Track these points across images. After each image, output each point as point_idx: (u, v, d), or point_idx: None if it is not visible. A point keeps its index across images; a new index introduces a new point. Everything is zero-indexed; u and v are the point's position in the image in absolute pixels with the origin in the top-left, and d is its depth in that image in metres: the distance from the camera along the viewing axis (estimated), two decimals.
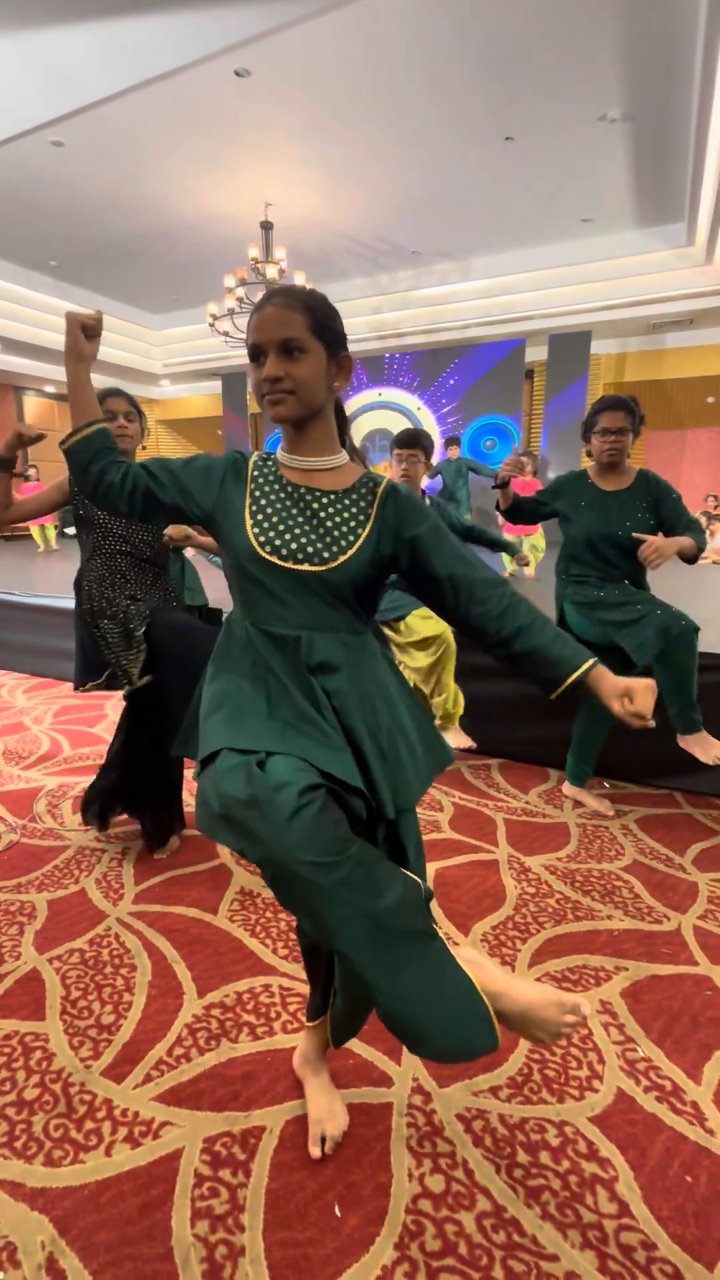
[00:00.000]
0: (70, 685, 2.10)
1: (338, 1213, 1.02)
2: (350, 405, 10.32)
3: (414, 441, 2.41)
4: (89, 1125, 1.16)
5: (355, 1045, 1.33)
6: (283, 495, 0.97)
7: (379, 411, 10.17)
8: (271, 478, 0.99)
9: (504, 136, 5.62)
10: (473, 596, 0.94)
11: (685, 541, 2.04)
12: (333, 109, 5.19)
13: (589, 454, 2.22)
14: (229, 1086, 1.24)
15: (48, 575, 5.92)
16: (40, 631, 4.16)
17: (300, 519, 0.95)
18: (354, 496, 0.97)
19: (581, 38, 4.39)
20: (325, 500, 0.96)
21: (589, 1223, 1.01)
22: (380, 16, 4.06)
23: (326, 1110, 1.15)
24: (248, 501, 0.97)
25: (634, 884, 1.92)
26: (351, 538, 0.94)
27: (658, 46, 4.45)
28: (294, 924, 1.71)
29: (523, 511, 2.33)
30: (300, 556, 0.93)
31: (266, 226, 6.72)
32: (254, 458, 1.02)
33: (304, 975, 1.52)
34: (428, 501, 2.52)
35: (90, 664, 1.93)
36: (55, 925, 1.70)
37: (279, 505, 0.97)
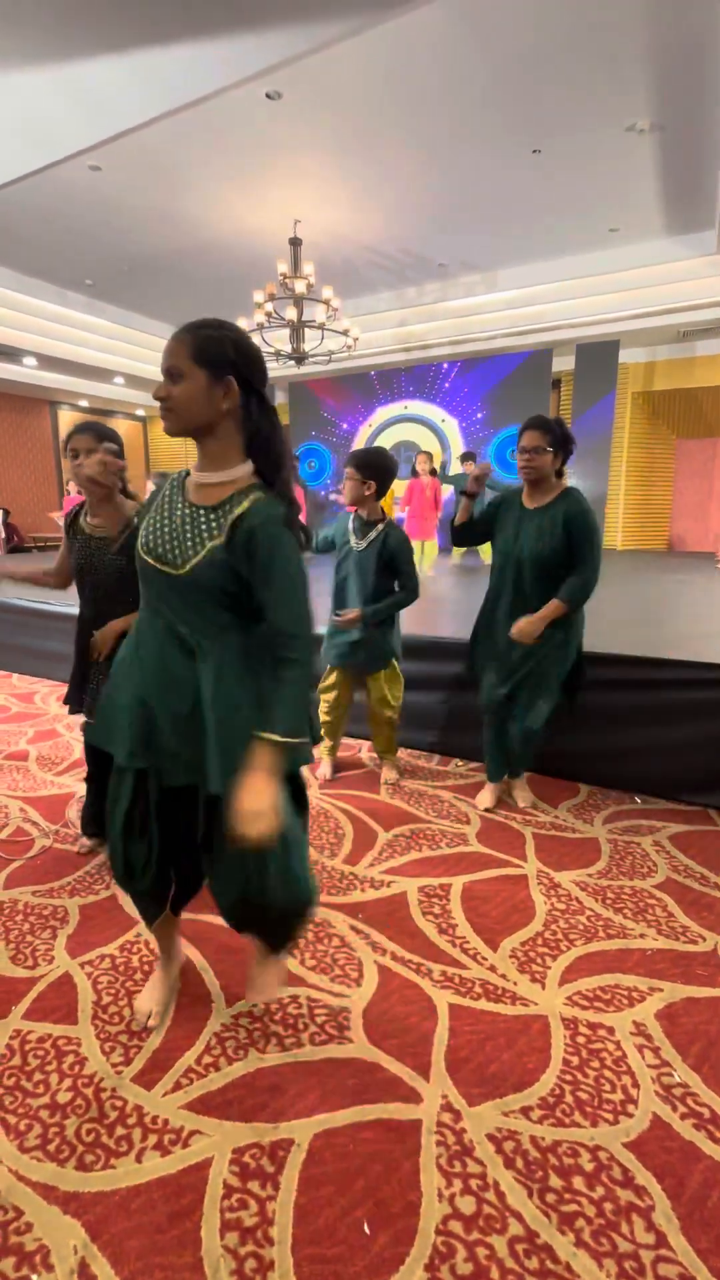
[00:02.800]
0: None
1: (367, 1230, 1.01)
2: (376, 418, 10.39)
3: (353, 461, 2.42)
4: (120, 1131, 1.17)
5: (383, 1060, 1.32)
6: (168, 505, 1.14)
7: (404, 424, 10.21)
8: (172, 492, 1.16)
9: (531, 149, 5.64)
10: (274, 643, 1.09)
11: (550, 609, 2.11)
12: (361, 127, 5.28)
13: (558, 474, 2.28)
14: (257, 1097, 1.24)
15: None
16: (74, 640, 4.25)
17: (170, 527, 1.11)
18: (217, 511, 1.08)
19: (608, 49, 4.40)
20: (190, 513, 1.11)
21: (625, 1252, 0.99)
22: (407, 35, 4.12)
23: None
24: (147, 513, 1.18)
25: (667, 902, 1.87)
26: (200, 546, 1.08)
27: (685, 56, 4.43)
28: (319, 934, 1.71)
29: (471, 532, 2.40)
30: (162, 557, 1.11)
31: (295, 243, 6.83)
32: (170, 479, 1.19)
33: (333, 987, 1.52)
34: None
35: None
36: (87, 930, 1.72)
37: (163, 513, 1.14)
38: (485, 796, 2.47)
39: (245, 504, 1.06)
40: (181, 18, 3.50)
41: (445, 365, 9.72)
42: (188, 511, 1.11)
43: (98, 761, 2.06)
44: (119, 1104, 1.22)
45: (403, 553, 2.44)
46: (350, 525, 2.52)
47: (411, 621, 3.68)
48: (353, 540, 2.50)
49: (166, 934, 1.45)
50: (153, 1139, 1.16)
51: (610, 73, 4.64)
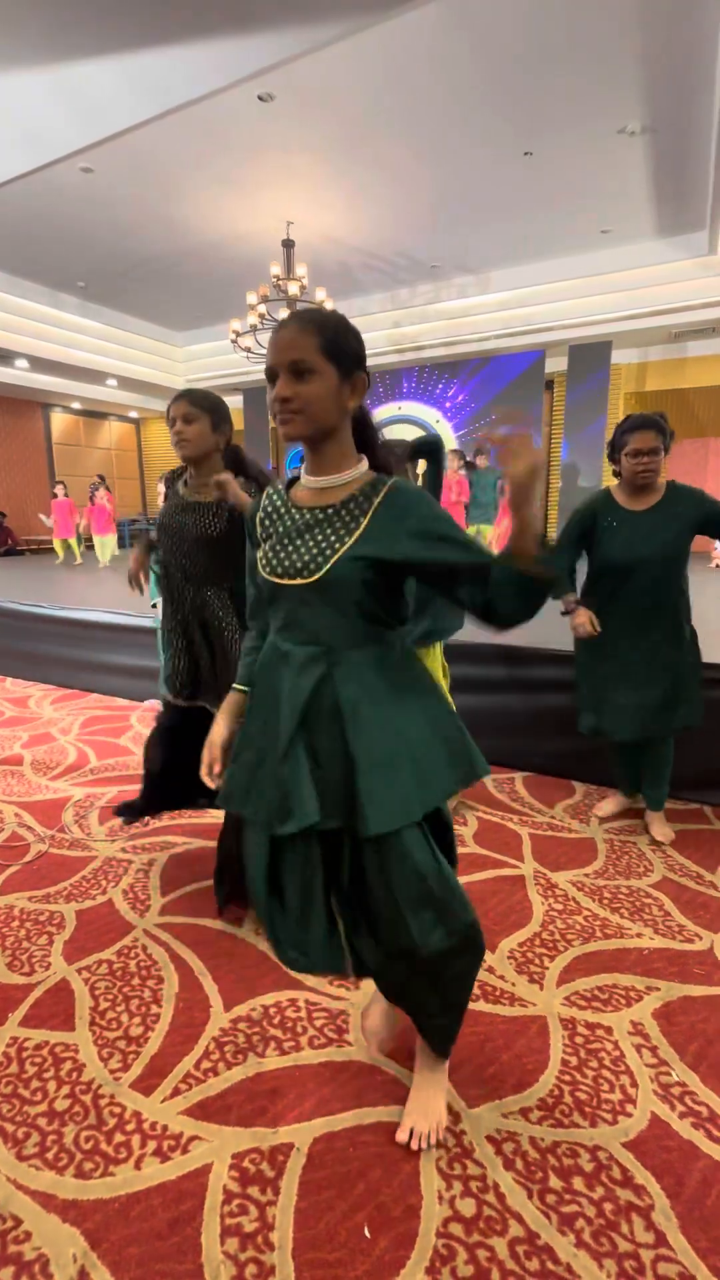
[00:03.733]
0: (97, 696, 2.11)
1: (368, 1234, 1.01)
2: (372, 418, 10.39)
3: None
4: (119, 1138, 1.17)
5: (382, 1063, 1.32)
6: (282, 512, 1.03)
7: (398, 426, 10.22)
8: (275, 507, 1.04)
9: (523, 151, 5.66)
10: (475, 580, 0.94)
11: None
12: (353, 129, 5.29)
13: (616, 474, 2.12)
14: (256, 1102, 1.24)
15: (73, 588, 6.02)
16: (67, 643, 4.24)
17: (290, 535, 0.99)
18: (350, 506, 0.97)
19: (600, 53, 4.42)
20: (315, 515, 0.98)
21: (625, 1252, 0.99)
22: (399, 38, 4.13)
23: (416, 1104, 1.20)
24: (259, 529, 1.05)
25: (664, 901, 1.88)
26: (338, 545, 0.95)
27: (677, 59, 4.46)
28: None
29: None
30: (293, 571, 0.97)
31: (288, 244, 6.83)
32: (262, 498, 1.08)
33: (331, 990, 1.51)
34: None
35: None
36: (84, 935, 1.72)
37: (278, 522, 1.02)
38: (609, 805, 2.42)
39: (385, 490, 0.96)
40: (174, 20, 3.50)
41: (438, 367, 9.73)
42: (309, 515, 0.98)
43: (166, 752, 1.89)
44: (117, 1110, 1.22)
45: None
46: None
47: None
48: None
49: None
50: (152, 1145, 1.15)
51: (602, 75, 4.66)
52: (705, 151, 5.48)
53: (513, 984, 1.55)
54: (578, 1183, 1.09)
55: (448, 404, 9.86)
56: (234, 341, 7.23)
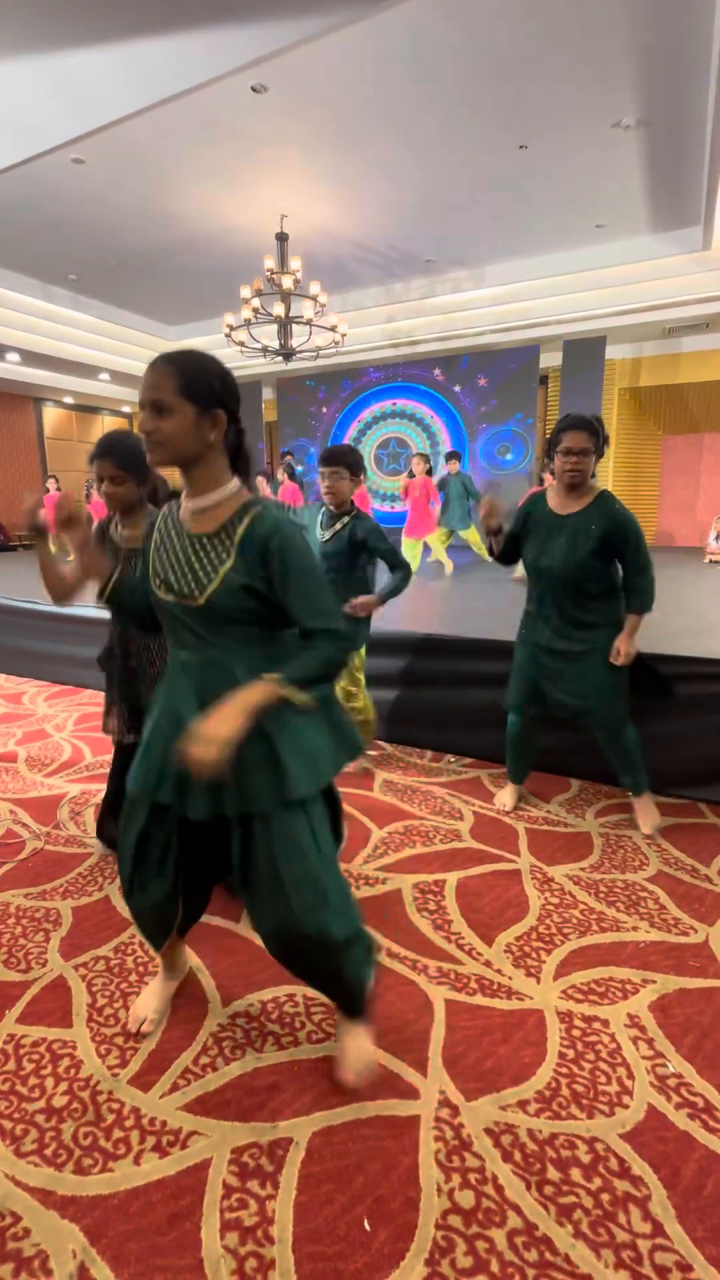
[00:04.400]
0: (92, 692, 2.11)
1: (367, 1227, 1.01)
2: (367, 413, 10.37)
3: (335, 459, 2.38)
4: (117, 1134, 1.16)
5: (381, 1056, 1.32)
6: (170, 538, 1.15)
7: (392, 420, 10.20)
8: (167, 529, 1.17)
9: (518, 145, 5.63)
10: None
11: (634, 625, 2.08)
12: (347, 121, 5.25)
13: (551, 473, 2.14)
14: (255, 1097, 1.24)
15: None
16: (61, 639, 4.21)
17: (177, 559, 1.12)
18: (220, 536, 1.09)
19: (594, 46, 4.40)
20: (195, 543, 1.11)
21: (622, 1242, 1.00)
22: (394, 29, 4.10)
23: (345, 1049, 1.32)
24: (151, 549, 1.18)
25: (659, 895, 1.89)
26: (212, 574, 1.08)
27: (672, 53, 4.44)
28: None
29: (511, 554, 2.25)
30: (181, 593, 1.10)
31: (282, 238, 6.78)
32: (162, 512, 1.20)
33: None
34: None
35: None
36: (80, 932, 1.71)
37: (167, 547, 1.15)
38: (506, 796, 2.45)
39: (247, 520, 1.08)
40: (166, 9, 3.46)
41: (432, 361, 9.71)
42: (190, 541, 1.11)
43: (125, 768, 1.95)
44: (116, 1106, 1.22)
45: (376, 536, 2.44)
46: (318, 518, 2.54)
47: (405, 618, 3.68)
48: (318, 532, 2.51)
49: (173, 951, 1.44)
50: (151, 1141, 1.15)
51: (597, 69, 4.64)
52: (700, 146, 5.48)
53: (510, 978, 1.55)
54: (575, 1174, 1.10)
55: (441, 399, 9.83)
56: (228, 335, 7.18)
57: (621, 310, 8.00)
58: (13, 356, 9.45)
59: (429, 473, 6.68)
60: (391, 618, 3.56)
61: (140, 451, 1.73)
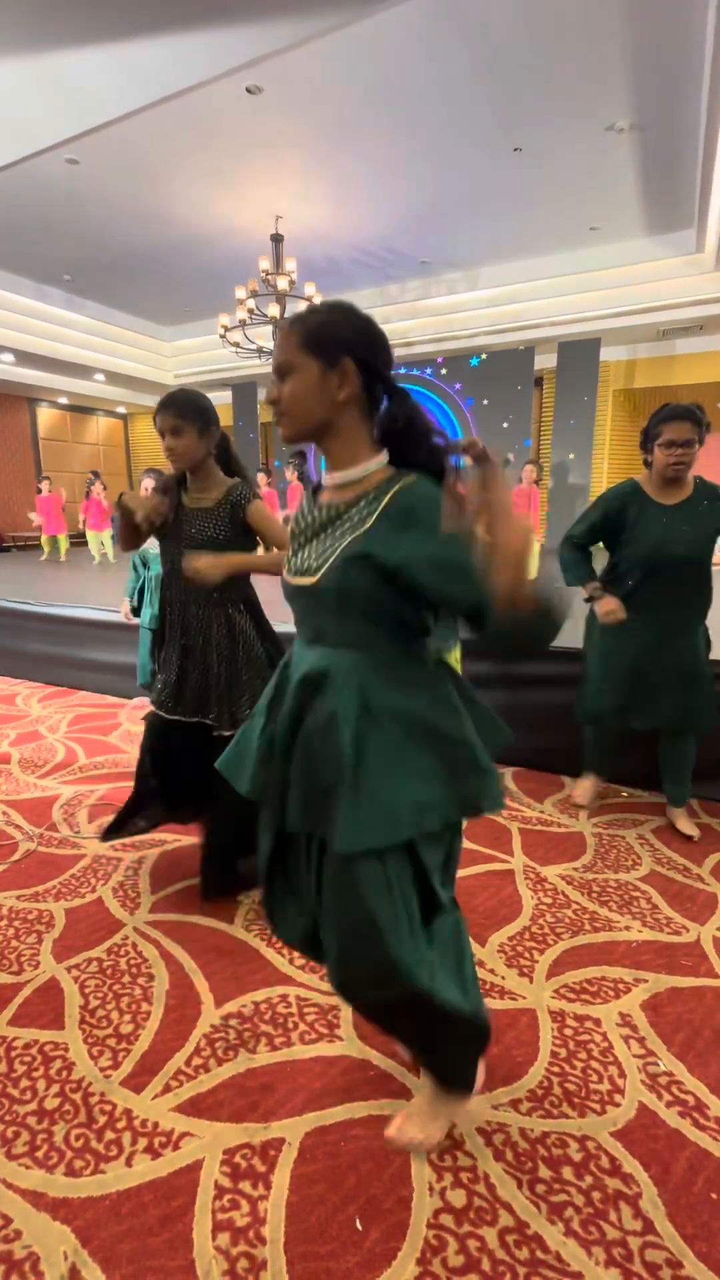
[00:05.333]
0: (85, 694, 2.10)
1: (359, 1226, 1.02)
2: None
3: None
4: (109, 1135, 1.16)
5: (373, 1057, 1.33)
6: (305, 518, 1.00)
7: None
8: (303, 507, 1.02)
9: (512, 147, 5.66)
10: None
11: None
12: (342, 122, 5.26)
13: (647, 464, 2.08)
14: (248, 1098, 1.24)
15: (59, 585, 5.97)
16: (55, 641, 4.20)
17: (312, 538, 0.97)
18: (360, 505, 0.91)
19: (589, 49, 4.43)
20: (334, 513, 0.94)
21: (613, 1239, 1.00)
22: (388, 32, 4.11)
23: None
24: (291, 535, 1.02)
25: (652, 894, 1.90)
26: (338, 546, 0.90)
27: (665, 56, 4.47)
28: None
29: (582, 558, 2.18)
30: (301, 571, 0.95)
31: (277, 239, 6.79)
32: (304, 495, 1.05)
33: (322, 986, 1.52)
34: None
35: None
36: (73, 934, 1.71)
37: (300, 528, 1.00)
38: (585, 788, 2.45)
39: (396, 487, 0.89)
40: (162, 9, 3.46)
41: (427, 363, 9.73)
42: (325, 515, 0.95)
43: (157, 760, 1.85)
44: (108, 1108, 1.22)
45: None
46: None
47: None
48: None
49: None
50: (143, 1142, 1.15)
51: (590, 72, 4.67)
52: (693, 149, 5.51)
53: (502, 978, 1.56)
54: (567, 1172, 1.10)
55: (436, 400, 9.85)
56: (223, 336, 7.18)
57: (616, 312, 8.03)
58: (7, 357, 9.42)
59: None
60: None
61: (200, 403, 1.64)
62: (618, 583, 2.14)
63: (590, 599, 2.15)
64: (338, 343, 0.88)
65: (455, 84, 4.79)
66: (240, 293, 6.62)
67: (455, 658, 2.44)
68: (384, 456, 0.94)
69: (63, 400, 11.70)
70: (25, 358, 9.44)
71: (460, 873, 1.99)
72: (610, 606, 2.07)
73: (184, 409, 1.61)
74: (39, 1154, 1.13)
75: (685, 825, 2.24)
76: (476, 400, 9.53)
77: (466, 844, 2.18)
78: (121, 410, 12.73)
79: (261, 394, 11.35)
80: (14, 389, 10.71)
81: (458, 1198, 1.06)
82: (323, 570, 0.91)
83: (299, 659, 1.00)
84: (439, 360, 9.64)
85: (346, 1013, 1.44)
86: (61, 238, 7.39)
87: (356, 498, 0.92)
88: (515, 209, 6.84)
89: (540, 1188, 1.08)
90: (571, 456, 9.03)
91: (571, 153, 5.72)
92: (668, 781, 2.28)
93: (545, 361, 9.35)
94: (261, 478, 7.10)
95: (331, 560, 0.90)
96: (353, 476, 0.93)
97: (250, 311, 6.69)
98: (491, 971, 1.57)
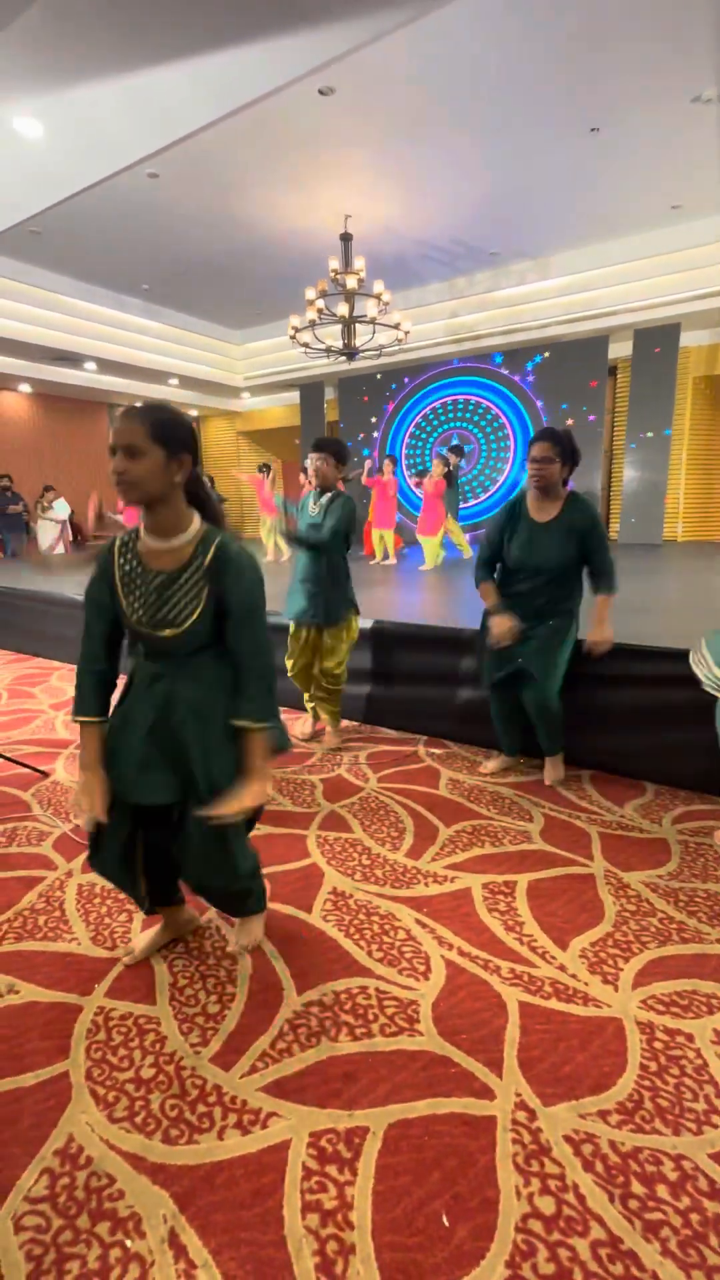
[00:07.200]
0: None
1: (445, 1222, 1.01)
2: (425, 412, 10.31)
3: (323, 446, 2.80)
4: (201, 1109, 1.21)
5: (455, 1054, 1.32)
6: (138, 572, 1.29)
7: (455, 415, 10.08)
8: (131, 566, 1.30)
9: (589, 128, 5.45)
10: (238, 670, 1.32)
11: (604, 607, 2.40)
12: (413, 116, 5.22)
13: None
14: (330, 1084, 1.26)
15: None
16: None
17: (155, 596, 1.26)
18: (190, 570, 1.25)
19: (669, 17, 4.20)
20: (164, 580, 1.26)
21: (714, 1265, 0.96)
22: (458, 19, 4.05)
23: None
24: (118, 581, 1.30)
25: None
26: (190, 608, 1.25)
27: None
28: (385, 926, 1.72)
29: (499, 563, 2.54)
30: (160, 624, 1.27)
31: (346, 238, 6.82)
32: (113, 546, 1.32)
33: (401, 980, 1.52)
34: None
35: None
36: (158, 916, 1.78)
37: (135, 582, 1.28)
38: (492, 764, 2.75)
39: (212, 550, 1.25)
40: (237, 21, 3.55)
41: (497, 355, 9.54)
42: (162, 579, 1.26)
43: None
44: (199, 1082, 1.27)
45: (336, 509, 2.79)
46: (310, 499, 2.91)
47: (453, 613, 3.64)
48: (310, 509, 2.89)
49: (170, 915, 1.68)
50: (233, 1118, 1.19)
51: (673, 42, 4.43)
52: None
53: (585, 984, 1.51)
54: (661, 1190, 1.06)
55: (506, 392, 9.64)
56: (293, 337, 7.29)
57: (698, 295, 7.61)
58: (90, 365, 9.92)
59: (447, 475, 6.80)
60: (439, 614, 3.53)
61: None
62: (504, 583, 2.54)
63: (488, 613, 2.51)
64: (180, 441, 1.21)
65: (527, 69, 4.66)
66: (310, 293, 6.70)
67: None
68: (198, 522, 1.29)
69: (139, 405, 12.21)
70: (105, 365, 9.92)
71: (538, 875, 1.96)
72: (501, 630, 2.42)
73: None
74: (138, 1120, 1.19)
75: (551, 774, 2.60)
76: (547, 392, 9.27)
77: (544, 846, 2.13)
78: (194, 413, 13.16)
79: (329, 393, 11.47)
80: (94, 395, 11.27)
81: (546, 1205, 1.04)
82: (186, 625, 1.26)
83: (159, 674, 1.35)
84: (497, 360, 9.45)
85: (426, 1008, 1.44)
86: (140, 249, 7.72)
87: (184, 564, 1.26)
88: (591, 192, 6.60)
89: (633, 1204, 1.04)
90: (649, 435, 8.63)
91: (652, 128, 5.46)
92: (542, 738, 2.60)
93: (620, 350, 8.99)
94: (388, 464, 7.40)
95: (193, 618, 1.26)
96: (175, 544, 1.27)
97: (320, 311, 6.76)
98: (574, 976, 1.53)
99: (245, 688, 1.29)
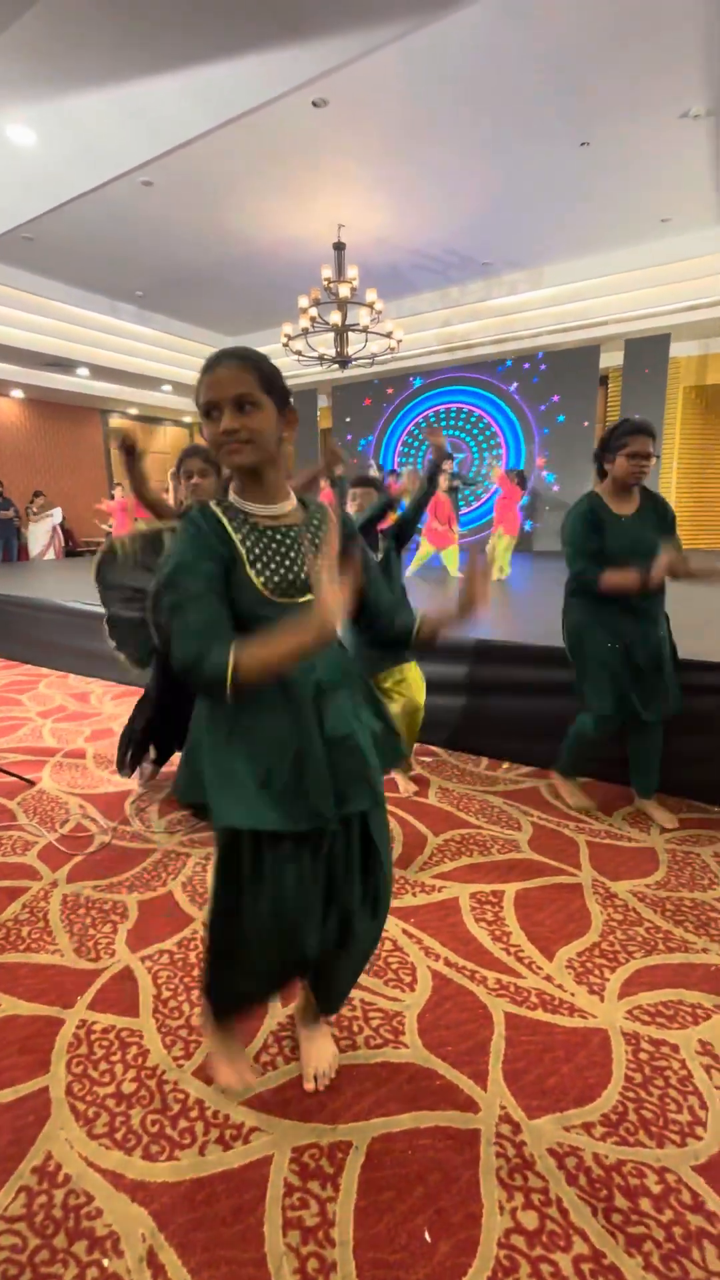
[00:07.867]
0: None
1: (428, 1238, 1.01)
2: (418, 420, 10.36)
3: (366, 482, 2.58)
4: (183, 1124, 1.20)
5: (439, 1067, 1.31)
6: (267, 538, 1.02)
7: (447, 424, 10.14)
8: (247, 528, 1.02)
9: (579, 142, 5.53)
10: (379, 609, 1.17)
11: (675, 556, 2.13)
12: (406, 128, 5.28)
13: (600, 474, 2.28)
14: (314, 1098, 1.25)
15: None
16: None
17: (292, 556, 1.03)
18: (313, 524, 1.08)
19: (660, 35, 4.27)
20: (297, 534, 1.04)
21: (697, 1279, 0.95)
22: (451, 34, 4.10)
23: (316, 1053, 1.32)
24: (243, 554, 1.00)
25: None
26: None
27: None
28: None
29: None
30: (303, 589, 1.03)
31: (339, 247, 6.87)
32: (216, 513, 1.01)
33: (387, 991, 1.52)
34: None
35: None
36: (145, 926, 1.77)
37: (271, 548, 1.01)
38: (583, 799, 2.52)
39: (317, 509, 1.12)
40: (232, 32, 3.58)
41: (489, 364, 9.61)
42: (285, 534, 1.03)
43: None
44: (181, 1096, 1.25)
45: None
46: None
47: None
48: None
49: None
50: (214, 1133, 1.18)
51: (663, 59, 4.51)
52: None
53: (572, 994, 1.51)
54: (645, 1204, 1.06)
55: (498, 401, 9.71)
56: (285, 345, 7.32)
57: (688, 306, 7.71)
58: (82, 371, 9.92)
59: (452, 490, 6.72)
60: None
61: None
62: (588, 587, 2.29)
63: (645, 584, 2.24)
64: (285, 392, 1.02)
65: (519, 81, 4.73)
66: (303, 301, 6.73)
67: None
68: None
69: (132, 411, 12.21)
70: (99, 371, 9.92)
71: (526, 884, 1.96)
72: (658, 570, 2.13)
73: (209, 455, 1.96)
74: (118, 1136, 1.17)
75: (664, 817, 2.35)
76: (539, 401, 9.34)
77: (532, 855, 2.13)
78: (187, 420, 13.17)
79: (322, 401, 11.50)
80: (88, 401, 11.26)
81: (529, 1219, 1.04)
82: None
83: (313, 670, 1.04)
84: (499, 369, 9.52)
85: (411, 1020, 1.43)
86: (134, 256, 7.74)
87: (303, 521, 1.07)
88: (582, 205, 6.68)
89: (617, 1217, 1.04)
90: None
91: (642, 143, 5.54)
92: (639, 774, 2.41)
93: (611, 359, 9.08)
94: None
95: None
96: (288, 508, 1.06)
97: (313, 320, 6.79)
98: (560, 987, 1.53)
99: (399, 612, 1.17)
